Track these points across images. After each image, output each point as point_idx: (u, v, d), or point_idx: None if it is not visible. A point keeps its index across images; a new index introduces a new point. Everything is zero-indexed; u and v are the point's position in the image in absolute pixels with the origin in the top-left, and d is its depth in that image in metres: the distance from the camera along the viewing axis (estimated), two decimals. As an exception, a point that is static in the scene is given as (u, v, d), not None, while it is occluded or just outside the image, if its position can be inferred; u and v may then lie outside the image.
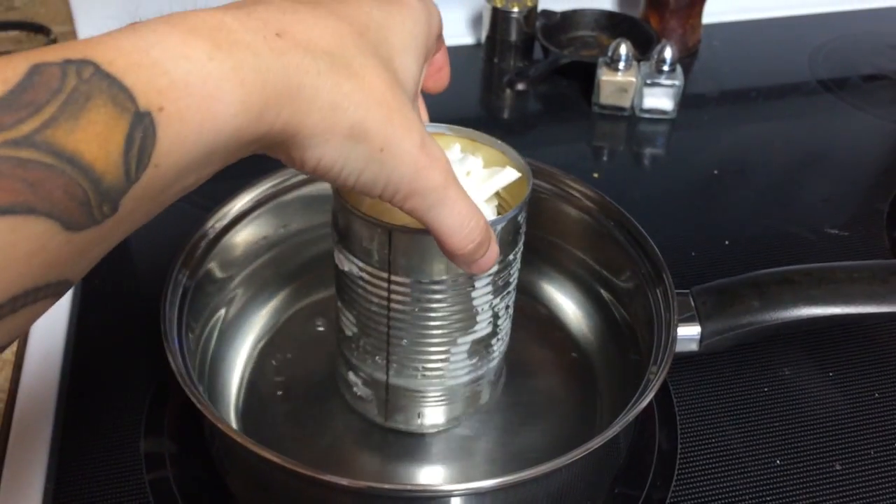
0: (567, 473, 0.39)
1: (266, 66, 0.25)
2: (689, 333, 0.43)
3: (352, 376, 0.45)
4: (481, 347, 0.42)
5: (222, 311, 0.49)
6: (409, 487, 0.39)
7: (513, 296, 0.43)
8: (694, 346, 0.43)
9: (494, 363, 0.45)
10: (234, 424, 0.47)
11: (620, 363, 0.48)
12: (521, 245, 0.41)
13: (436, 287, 0.38)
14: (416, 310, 0.39)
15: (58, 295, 0.23)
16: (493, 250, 0.33)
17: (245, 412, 0.48)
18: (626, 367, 0.47)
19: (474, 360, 0.43)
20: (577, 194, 0.49)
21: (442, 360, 0.42)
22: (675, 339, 0.40)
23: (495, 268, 0.39)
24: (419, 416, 0.45)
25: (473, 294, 0.39)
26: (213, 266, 0.47)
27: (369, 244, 0.38)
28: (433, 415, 0.45)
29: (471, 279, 0.39)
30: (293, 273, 0.53)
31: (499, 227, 0.37)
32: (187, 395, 0.38)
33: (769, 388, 0.52)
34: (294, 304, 0.54)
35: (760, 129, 0.78)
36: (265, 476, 0.41)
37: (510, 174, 0.39)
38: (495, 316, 0.41)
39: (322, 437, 0.47)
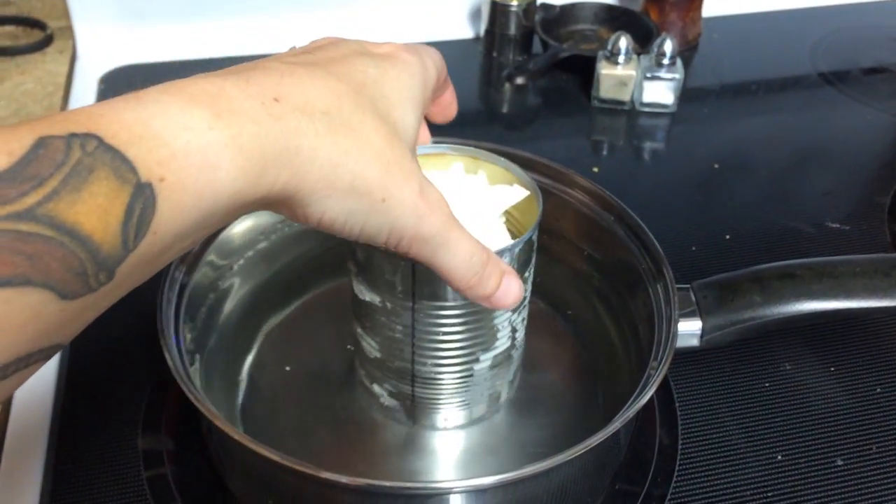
0: (567, 470, 0.39)
1: (264, 132, 0.25)
2: (690, 329, 0.43)
3: (377, 388, 0.46)
4: (502, 359, 0.43)
5: (221, 307, 0.48)
6: (409, 485, 0.39)
7: (527, 308, 0.43)
8: (695, 342, 0.43)
9: (512, 371, 0.46)
10: (235, 420, 0.47)
11: (622, 358, 0.47)
12: (534, 261, 0.41)
13: (459, 311, 0.39)
14: (440, 335, 0.40)
15: (48, 358, 0.23)
16: (512, 284, 0.33)
17: (246, 408, 0.48)
18: (628, 362, 0.46)
19: (495, 370, 0.43)
20: (577, 189, 0.49)
21: (466, 376, 0.43)
22: (675, 334, 0.40)
23: None
24: (445, 420, 0.46)
25: (495, 313, 0.40)
26: (210, 261, 0.47)
27: (392, 276, 0.39)
28: (457, 417, 0.45)
29: None
30: (292, 266, 0.53)
31: (516, 249, 0.38)
32: (184, 392, 0.38)
33: (770, 383, 0.52)
34: (294, 298, 0.53)
35: (761, 123, 0.78)
36: (263, 473, 0.41)
37: (518, 192, 0.40)
38: (514, 330, 0.42)
39: (324, 434, 0.47)
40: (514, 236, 0.41)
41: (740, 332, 0.42)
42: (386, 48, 0.33)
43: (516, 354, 0.45)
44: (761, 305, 0.42)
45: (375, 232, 0.29)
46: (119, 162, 0.22)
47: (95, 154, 0.22)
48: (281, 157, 0.26)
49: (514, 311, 0.41)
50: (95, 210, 0.21)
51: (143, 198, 0.22)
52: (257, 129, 0.25)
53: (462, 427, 0.46)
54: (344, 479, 0.35)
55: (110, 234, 0.22)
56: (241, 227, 0.49)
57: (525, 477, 0.35)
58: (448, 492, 0.37)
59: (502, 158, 0.41)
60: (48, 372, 0.51)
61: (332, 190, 0.27)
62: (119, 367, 0.52)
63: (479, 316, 0.40)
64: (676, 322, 0.40)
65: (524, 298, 0.42)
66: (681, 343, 0.42)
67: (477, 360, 0.42)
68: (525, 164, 0.43)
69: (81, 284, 0.22)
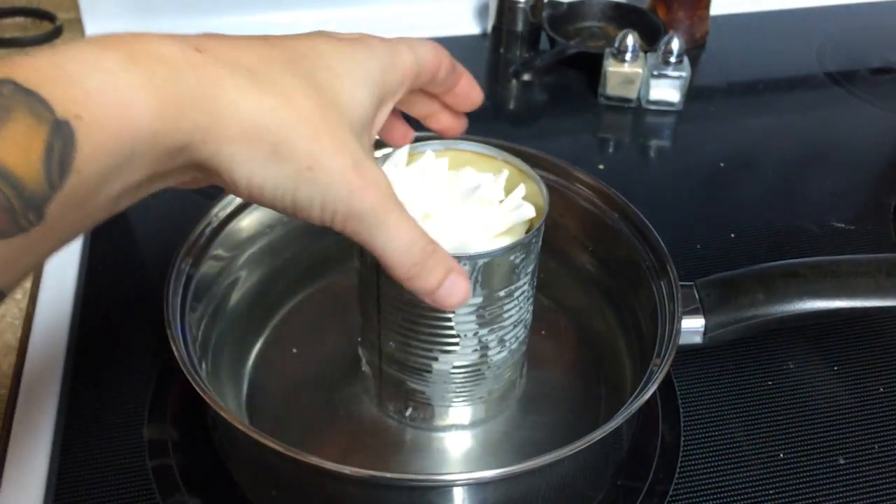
0: (569, 464, 0.39)
1: (180, 77, 0.26)
2: (693, 326, 0.43)
3: (360, 351, 0.46)
4: (468, 372, 0.42)
5: (227, 298, 0.49)
6: (412, 477, 0.39)
7: (511, 331, 0.42)
8: (698, 339, 0.43)
9: (485, 390, 0.44)
10: (241, 411, 0.47)
11: (624, 355, 0.48)
12: (521, 284, 0.40)
13: (417, 301, 0.38)
14: (400, 318, 0.40)
15: None
16: (458, 284, 0.32)
17: (252, 399, 0.48)
18: (630, 360, 0.46)
19: (461, 380, 0.43)
20: (581, 185, 0.49)
21: (425, 372, 0.42)
22: (678, 331, 0.40)
23: (479, 299, 0.39)
24: (407, 409, 0.45)
25: (454, 318, 0.39)
26: (217, 253, 0.47)
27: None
28: (422, 415, 0.45)
29: None
30: (299, 259, 0.53)
31: (480, 262, 0.37)
32: (190, 382, 0.38)
33: (773, 381, 0.52)
34: (301, 290, 0.53)
35: (767, 122, 0.78)
36: (268, 464, 0.41)
37: (527, 212, 0.40)
38: (483, 346, 0.41)
39: (326, 428, 0.47)
40: None
41: (743, 330, 0.43)
42: (355, 35, 0.33)
43: (490, 374, 0.43)
44: (764, 303, 0.42)
45: (307, 204, 0.28)
46: (35, 101, 0.23)
47: (12, 96, 0.22)
48: (198, 104, 0.26)
49: (481, 325, 0.40)
50: (15, 146, 0.22)
51: (61, 135, 0.23)
52: (172, 74, 0.25)
53: (429, 429, 0.46)
54: (347, 469, 0.35)
55: (33, 169, 0.22)
56: (248, 220, 0.49)
57: (527, 471, 0.35)
58: (451, 484, 0.38)
59: (538, 177, 0.41)
60: (55, 360, 0.51)
61: (253, 151, 0.27)
62: (125, 355, 0.52)
63: (437, 314, 0.39)
64: (679, 319, 0.41)
65: (502, 318, 0.41)
66: (684, 340, 0.42)
67: (436, 360, 0.41)
68: (530, 161, 0.44)
69: (11, 222, 0.22)
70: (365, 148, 0.30)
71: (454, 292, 0.32)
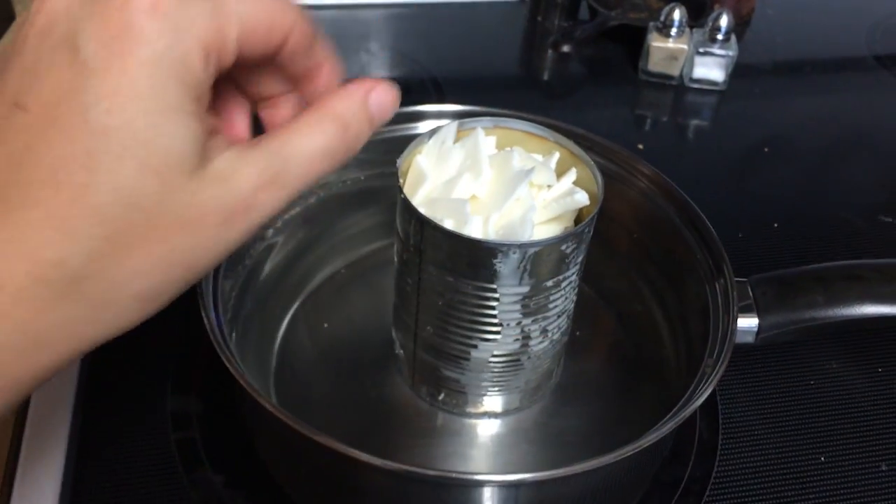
0: (613, 469, 0.37)
1: None
2: (745, 325, 0.40)
3: (394, 333, 0.45)
4: (507, 362, 0.41)
5: (261, 266, 0.47)
6: (448, 475, 0.37)
7: (555, 321, 0.41)
8: (750, 339, 0.41)
9: (522, 380, 0.43)
10: (267, 385, 0.46)
11: (668, 349, 0.46)
12: (569, 274, 0.39)
13: (460, 288, 0.38)
14: (440, 303, 0.39)
15: None
16: (384, 97, 0.28)
17: (279, 372, 0.47)
18: (675, 355, 0.45)
19: (500, 368, 0.42)
20: (634, 172, 0.46)
21: (462, 360, 0.41)
22: (734, 331, 0.38)
23: (526, 288, 0.38)
24: (440, 394, 0.44)
25: (498, 307, 0.38)
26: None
27: (407, 226, 0.38)
28: (455, 400, 0.44)
29: (495, 293, 0.38)
30: (333, 230, 0.51)
31: (530, 251, 0.36)
32: (221, 358, 0.37)
33: (815, 381, 0.50)
34: (333, 262, 0.52)
35: (813, 106, 0.75)
36: (295, 445, 0.40)
37: (580, 199, 0.39)
38: (525, 336, 0.40)
39: (357, 404, 0.45)
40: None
41: (799, 333, 0.41)
42: (103, 27, 0.22)
43: (529, 364, 0.42)
44: (824, 306, 0.40)
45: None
46: None
47: None
48: None
49: (525, 314, 0.39)
50: None
51: None
52: None
53: (495, 415, 0.45)
54: (377, 461, 0.34)
55: None
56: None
57: (571, 475, 0.34)
58: (486, 483, 0.36)
59: (591, 162, 0.39)
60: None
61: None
62: (149, 322, 0.50)
63: (480, 300, 0.38)
64: (735, 319, 0.39)
65: (548, 308, 0.39)
66: (736, 340, 0.40)
67: (475, 347, 0.40)
68: (583, 143, 0.41)
69: None
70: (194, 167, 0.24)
71: (384, 106, 0.28)
